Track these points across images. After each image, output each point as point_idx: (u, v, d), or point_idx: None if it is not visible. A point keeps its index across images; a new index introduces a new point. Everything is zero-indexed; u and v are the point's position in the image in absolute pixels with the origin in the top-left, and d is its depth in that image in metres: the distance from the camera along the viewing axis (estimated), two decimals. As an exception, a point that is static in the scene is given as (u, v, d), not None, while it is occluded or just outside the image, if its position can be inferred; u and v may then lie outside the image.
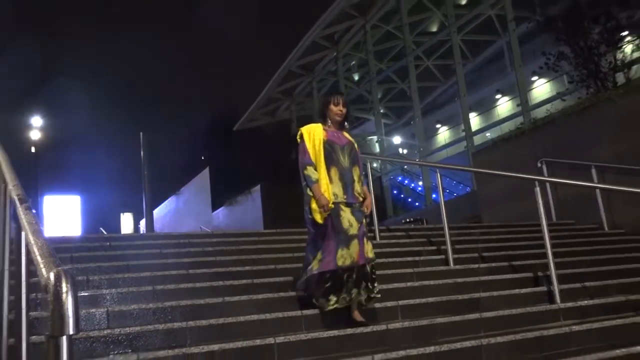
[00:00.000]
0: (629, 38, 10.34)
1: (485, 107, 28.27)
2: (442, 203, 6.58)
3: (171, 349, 3.52)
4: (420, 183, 27.28)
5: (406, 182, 30.33)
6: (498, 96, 27.47)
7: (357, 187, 4.37)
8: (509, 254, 6.25)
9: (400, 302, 4.51)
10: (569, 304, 4.76)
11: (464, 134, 23.11)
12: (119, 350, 3.53)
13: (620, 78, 10.11)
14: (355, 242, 4.10)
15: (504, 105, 27.26)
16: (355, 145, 4.57)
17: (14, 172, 3.35)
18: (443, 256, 6.00)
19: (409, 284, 5.07)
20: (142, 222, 26.16)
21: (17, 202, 2.57)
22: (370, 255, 4.24)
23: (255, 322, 3.99)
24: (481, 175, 11.46)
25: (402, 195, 29.74)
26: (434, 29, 26.80)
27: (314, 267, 4.18)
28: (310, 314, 4.15)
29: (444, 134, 31.62)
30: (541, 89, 23.50)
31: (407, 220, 18.02)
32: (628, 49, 10.30)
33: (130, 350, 3.52)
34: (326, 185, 4.22)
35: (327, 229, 4.18)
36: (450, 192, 24.53)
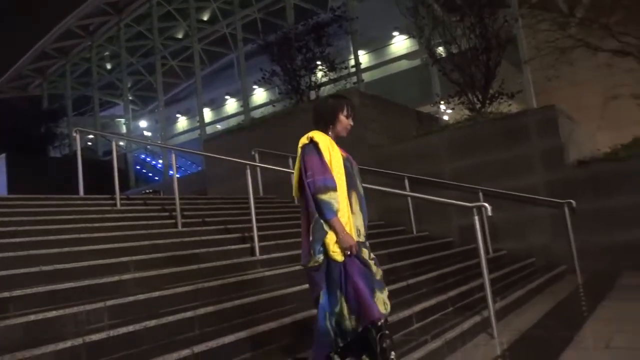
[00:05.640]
0: (320, 67, 11.49)
1: (217, 104, 28.51)
2: (175, 178, 6.56)
3: None
4: (161, 161, 26.44)
5: (148, 159, 29.10)
6: (227, 97, 27.96)
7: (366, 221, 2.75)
8: (225, 219, 6.49)
9: (134, 258, 4.35)
10: (265, 256, 5.16)
11: (198, 124, 23.11)
12: None
13: (313, 95, 11.19)
14: (385, 289, 2.61)
15: (231, 105, 27.85)
16: None
17: None
18: (173, 220, 5.95)
19: (142, 242, 4.91)
20: None
21: None
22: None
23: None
24: (209, 157, 11.59)
25: (144, 170, 28.44)
26: (180, 35, 26.10)
27: (349, 323, 2.49)
28: (49, 269, 3.75)
29: (182, 123, 30.92)
30: (259, 95, 24.62)
31: (146, 191, 17.35)
32: (319, 74, 11.45)
33: None
34: (347, 218, 2.55)
35: (349, 269, 2.50)
36: (184, 170, 24.21)
